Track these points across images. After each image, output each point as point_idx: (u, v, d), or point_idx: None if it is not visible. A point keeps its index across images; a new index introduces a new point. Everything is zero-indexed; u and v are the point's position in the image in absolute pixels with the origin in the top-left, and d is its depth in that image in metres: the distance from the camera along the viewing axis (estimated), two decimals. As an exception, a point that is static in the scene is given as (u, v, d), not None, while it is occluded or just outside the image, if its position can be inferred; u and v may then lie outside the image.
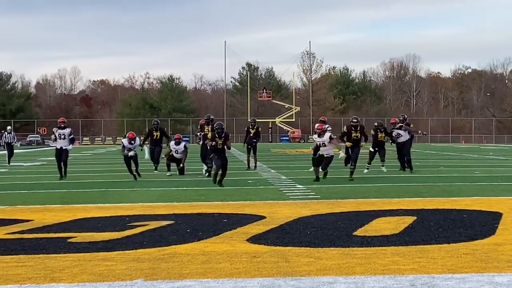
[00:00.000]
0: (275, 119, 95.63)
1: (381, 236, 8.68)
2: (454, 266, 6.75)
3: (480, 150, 51.33)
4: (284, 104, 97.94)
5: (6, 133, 30.26)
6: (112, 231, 9.30)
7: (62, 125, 19.89)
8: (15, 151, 30.88)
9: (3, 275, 6.58)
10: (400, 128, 22.45)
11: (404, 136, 22.34)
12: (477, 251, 7.55)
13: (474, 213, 10.94)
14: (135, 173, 19.36)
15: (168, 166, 21.38)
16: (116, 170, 23.13)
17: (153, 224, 9.90)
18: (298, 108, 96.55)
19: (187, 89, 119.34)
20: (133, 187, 16.82)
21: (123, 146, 19.58)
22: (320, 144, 17.80)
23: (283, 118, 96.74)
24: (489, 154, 40.54)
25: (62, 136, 19.81)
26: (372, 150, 21.99)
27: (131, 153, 19.31)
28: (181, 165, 21.24)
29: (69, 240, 8.59)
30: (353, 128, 19.25)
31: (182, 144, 21.59)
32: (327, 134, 17.88)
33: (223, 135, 16.61)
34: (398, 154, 22.62)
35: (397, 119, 23.23)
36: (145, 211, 11.77)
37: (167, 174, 20.84)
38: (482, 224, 9.70)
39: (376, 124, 22.21)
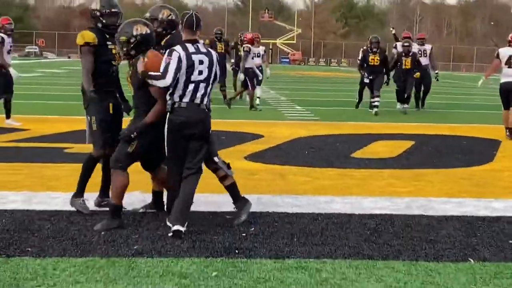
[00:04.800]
0: (276, 40, 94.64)
1: (379, 159, 8.67)
2: (451, 190, 6.74)
3: (481, 79, 51.06)
4: (286, 25, 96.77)
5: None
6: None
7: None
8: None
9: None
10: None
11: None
12: (475, 177, 7.54)
13: (472, 140, 10.92)
14: None
15: None
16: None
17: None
18: (300, 31, 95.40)
19: (188, 6, 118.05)
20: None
21: None
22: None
23: (284, 40, 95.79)
24: (490, 84, 40.32)
25: None
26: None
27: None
28: None
29: (65, 151, 8.57)
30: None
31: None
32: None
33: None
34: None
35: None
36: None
37: None
38: (480, 151, 9.68)
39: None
